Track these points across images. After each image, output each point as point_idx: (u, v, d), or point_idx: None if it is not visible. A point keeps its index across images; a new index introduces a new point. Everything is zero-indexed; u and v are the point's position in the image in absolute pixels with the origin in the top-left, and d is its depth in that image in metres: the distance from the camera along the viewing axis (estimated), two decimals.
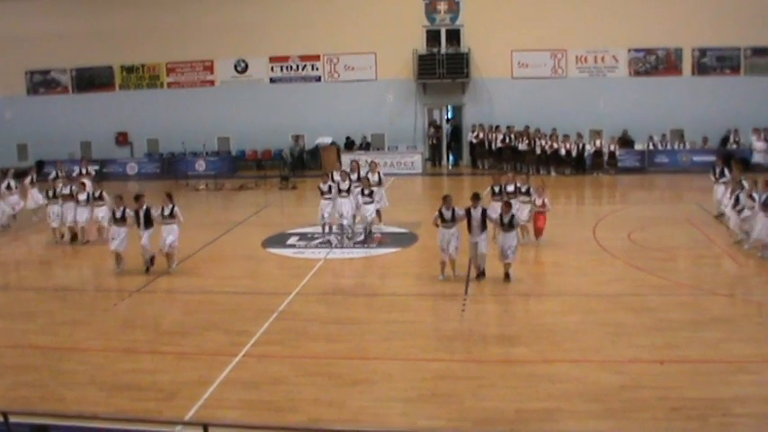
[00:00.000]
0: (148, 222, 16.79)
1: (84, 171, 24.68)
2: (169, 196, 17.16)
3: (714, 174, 20.96)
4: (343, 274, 17.32)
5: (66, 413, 9.28)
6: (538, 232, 18.31)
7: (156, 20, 34.34)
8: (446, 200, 15.53)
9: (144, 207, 16.84)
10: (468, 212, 15.40)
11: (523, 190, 18.31)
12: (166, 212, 16.79)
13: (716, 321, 12.67)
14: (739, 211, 17.48)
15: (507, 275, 15.45)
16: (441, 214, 15.45)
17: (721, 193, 20.18)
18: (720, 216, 20.23)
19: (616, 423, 9.23)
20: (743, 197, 17.48)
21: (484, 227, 15.42)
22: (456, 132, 34.71)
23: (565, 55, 32.85)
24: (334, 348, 12.12)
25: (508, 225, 15.39)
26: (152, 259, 16.96)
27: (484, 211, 15.50)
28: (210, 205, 27.52)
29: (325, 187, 19.56)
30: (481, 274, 15.65)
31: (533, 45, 32.48)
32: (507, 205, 15.81)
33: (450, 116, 35.16)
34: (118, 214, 17.06)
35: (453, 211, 15.45)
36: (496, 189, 18.37)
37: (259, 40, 34.17)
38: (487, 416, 9.56)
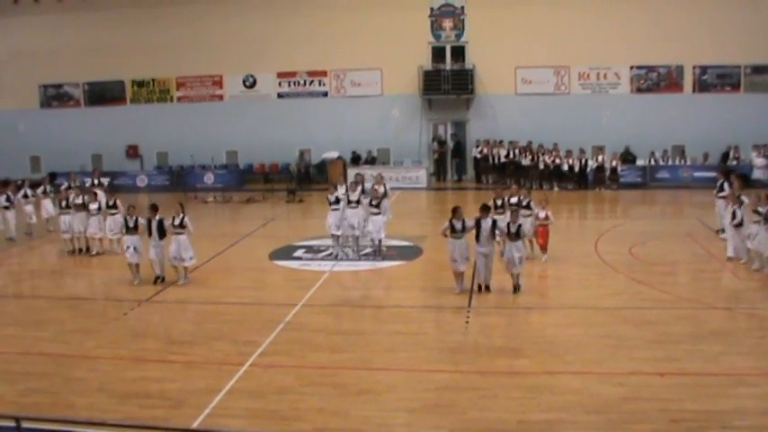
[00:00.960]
0: (161, 233, 16.93)
1: (96, 182, 24.92)
2: (181, 206, 17.28)
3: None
4: (348, 286, 17.39)
5: (77, 419, 9.38)
6: (542, 246, 18.36)
7: (166, 36, 34.69)
8: (456, 212, 15.62)
9: (157, 218, 16.95)
10: (477, 223, 15.52)
11: (524, 203, 18.38)
12: (177, 222, 16.91)
13: (715, 335, 12.74)
14: (736, 226, 17.60)
15: (517, 286, 15.56)
16: (451, 225, 15.57)
17: (722, 208, 20.38)
18: (721, 231, 20.41)
19: None
20: (739, 212, 17.56)
21: (492, 237, 15.59)
22: (459, 148, 34.85)
23: (568, 72, 33.11)
24: (339, 359, 12.21)
25: (515, 235, 15.55)
26: (162, 278, 17.11)
27: (494, 222, 15.65)
28: (218, 217, 27.70)
29: (332, 198, 19.65)
30: (486, 288, 15.74)
31: (537, 62, 32.75)
32: (515, 215, 16.02)
33: (451, 133, 35.18)
34: (131, 223, 17.25)
35: (464, 222, 15.57)
36: (498, 202, 18.47)
37: (267, 56, 34.55)
38: (490, 426, 9.63)
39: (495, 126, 33.20)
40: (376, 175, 21.67)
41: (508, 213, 17.60)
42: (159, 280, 17.12)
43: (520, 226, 15.74)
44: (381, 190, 20.12)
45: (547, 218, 18.19)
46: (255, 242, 22.05)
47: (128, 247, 17.20)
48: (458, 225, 15.52)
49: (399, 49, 32.97)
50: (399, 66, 33.35)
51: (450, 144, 34.99)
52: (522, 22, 32.39)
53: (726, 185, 20.55)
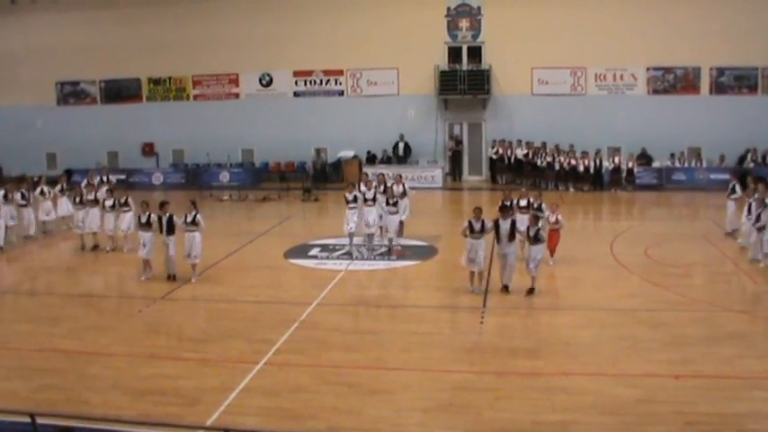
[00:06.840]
0: (171, 229, 17.04)
1: (104, 180, 25.02)
2: (193, 203, 17.40)
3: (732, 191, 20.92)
4: (363, 285, 17.40)
5: (91, 416, 9.37)
6: (550, 250, 18.00)
7: (182, 33, 34.79)
8: (476, 212, 15.66)
9: (167, 214, 17.08)
10: (496, 224, 15.53)
11: (536, 206, 18.15)
12: (189, 219, 16.99)
13: (731, 337, 12.69)
14: (759, 229, 17.42)
15: (531, 289, 15.54)
16: (470, 225, 15.58)
17: (733, 211, 20.28)
18: (732, 233, 20.38)
19: None
20: (765, 215, 17.36)
21: (512, 238, 15.57)
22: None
23: (584, 72, 32.93)
24: (353, 358, 12.24)
25: (534, 238, 15.54)
26: (174, 276, 17.21)
27: (513, 223, 15.64)
28: (234, 216, 27.73)
29: (350, 196, 19.58)
30: (505, 289, 15.69)
31: (553, 62, 32.57)
32: (534, 218, 15.97)
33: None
34: (143, 219, 17.34)
35: (483, 222, 15.59)
36: (507, 204, 17.94)
37: (283, 55, 34.52)
38: (504, 427, 9.64)
39: (510, 126, 33.04)
40: (395, 174, 21.70)
41: (517, 215, 17.49)
42: (171, 277, 17.20)
43: (539, 230, 15.69)
44: (399, 189, 20.07)
45: (557, 222, 18.02)
46: (270, 240, 22.09)
47: (143, 245, 17.30)
48: (476, 225, 15.55)
49: (416, 48, 32.90)
50: (415, 66, 33.28)
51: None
52: (539, 22, 32.18)
53: (737, 188, 20.44)
